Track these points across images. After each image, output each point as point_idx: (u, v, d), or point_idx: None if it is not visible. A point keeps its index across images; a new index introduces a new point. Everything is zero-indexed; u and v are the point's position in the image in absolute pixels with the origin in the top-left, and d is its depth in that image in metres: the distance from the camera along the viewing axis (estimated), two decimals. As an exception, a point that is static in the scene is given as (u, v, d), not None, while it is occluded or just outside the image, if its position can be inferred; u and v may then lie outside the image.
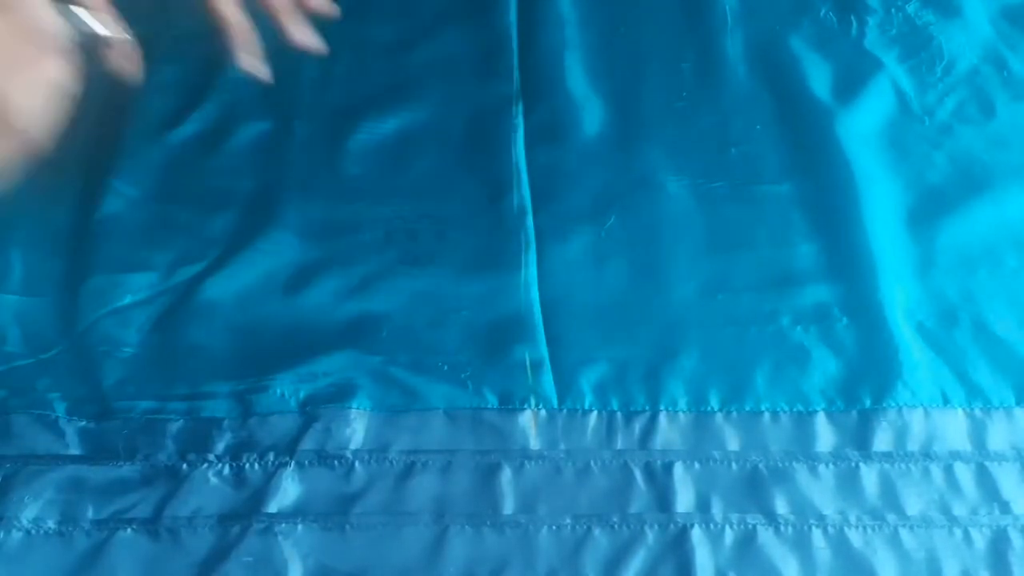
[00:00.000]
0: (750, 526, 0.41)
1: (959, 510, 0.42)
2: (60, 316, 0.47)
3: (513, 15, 0.62)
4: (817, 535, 0.41)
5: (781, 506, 0.42)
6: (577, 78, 0.59)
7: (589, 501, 0.42)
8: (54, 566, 0.39)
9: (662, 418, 0.45)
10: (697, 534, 0.41)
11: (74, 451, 0.42)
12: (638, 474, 0.43)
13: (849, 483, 0.43)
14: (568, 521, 0.41)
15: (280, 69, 0.54)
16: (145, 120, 0.56)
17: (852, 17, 0.63)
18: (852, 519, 0.42)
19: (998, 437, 0.44)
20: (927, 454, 0.44)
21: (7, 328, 0.46)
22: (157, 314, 0.47)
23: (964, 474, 0.43)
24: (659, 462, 0.43)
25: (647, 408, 0.45)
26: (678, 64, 0.60)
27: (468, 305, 0.48)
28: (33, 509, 0.40)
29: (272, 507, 0.41)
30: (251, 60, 0.46)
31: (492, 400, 0.45)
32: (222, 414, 0.44)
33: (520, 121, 0.57)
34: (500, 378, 0.46)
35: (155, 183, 0.53)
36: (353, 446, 0.43)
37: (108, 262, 0.49)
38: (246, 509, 0.41)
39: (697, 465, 0.43)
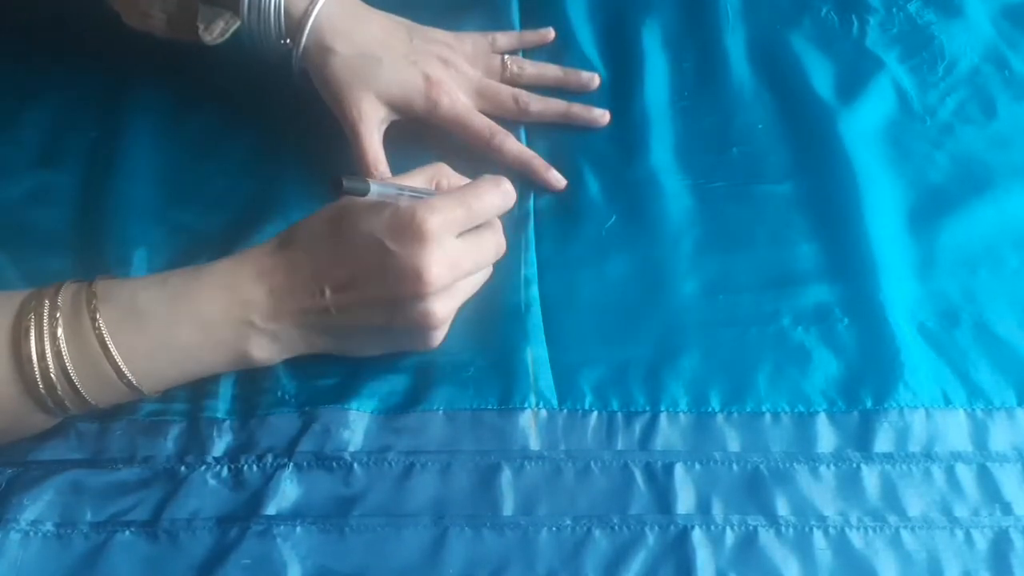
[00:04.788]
0: (751, 527, 0.41)
1: (960, 511, 0.42)
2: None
3: (515, 14, 0.62)
4: (818, 536, 0.41)
5: (782, 507, 0.42)
6: (578, 77, 0.59)
7: (589, 502, 0.42)
8: (53, 568, 0.39)
9: (663, 419, 0.45)
10: (698, 535, 0.41)
11: (76, 455, 0.42)
12: (638, 475, 0.43)
13: (850, 484, 0.43)
14: (568, 522, 0.41)
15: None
16: (146, 119, 0.56)
17: (853, 16, 0.63)
18: (853, 520, 0.42)
19: (999, 438, 0.44)
20: (928, 455, 0.44)
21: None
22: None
23: (965, 475, 0.43)
24: (659, 463, 0.43)
25: (647, 409, 0.45)
26: (679, 63, 0.60)
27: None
28: (32, 511, 0.40)
29: (271, 509, 0.41)
30: (556, 177, 0.53)
31: (492, 400, 0.45)
32: (223, 415, 0.44)
33: (521, 120, 0.57)
34: (500, 378, 0.45)
35: (156, 183, 0.53)
36: (352, 448, 0.43)
37: (108, 262, 0.49)
38: (244, 511, 0.41)
39: (698, 466, 0.43)
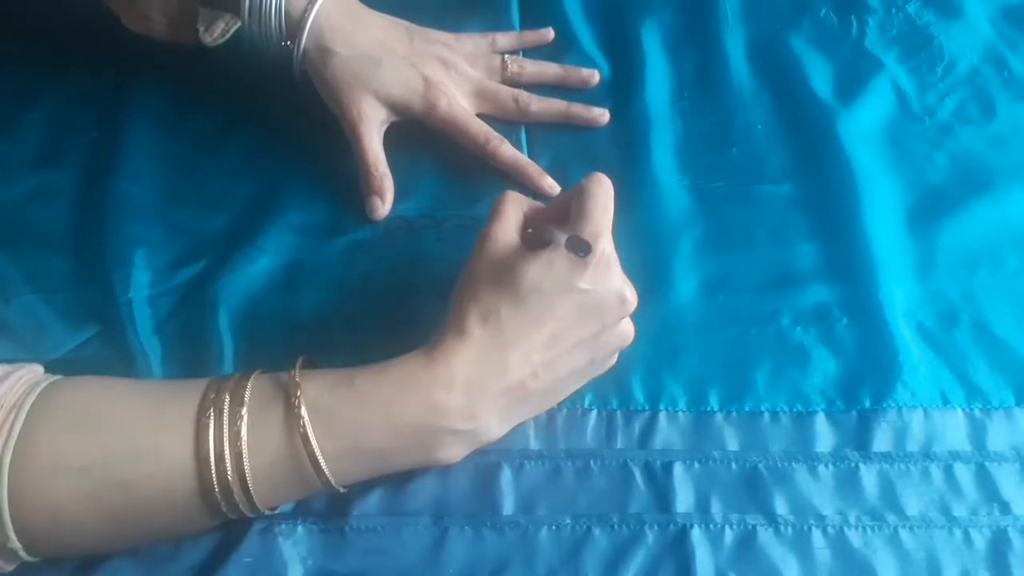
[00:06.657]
0: (750, 526, 0.41)
1: (959, 511, 0.42)
2: (63, 318, 0.47)
3: (515, 14, 0.62)
4: (817, 535, 0.41)
5: (781, 506, 0.42)
6: (578, 77, 0.59)
7: (589, 501, 0.42)
8: (55, 569, 0.39)
9: (662, 418, 0.45)
10: (697, 534, 0.41)
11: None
12: (638, 474, 0.43)
13: (849, 483, 0.43)
14: (568, 521, 0.41)
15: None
16: (146, 119, 0.56)
17: (852, 17, 0.63)
18: (852, 519, 0.42)
19: (998, 437, 0.45)
20: (927, 454, 0.44)
21: (8, 329, 0.46)
22: (159, 315, 0.47)
23: (964, 474, 0.43)
24: (659, 462, 0.43)
25: (647, 408, 0.45)
26: (679, 64, 0.60)
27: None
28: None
29: (272, 507, 0.41)
30: (550, 183, 0.53)
31: (492, 400, 0.45)
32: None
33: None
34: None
35: (156, 183, 0.53)
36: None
37: (108, 262, 0.49)
38: (246, 509, 0.41)
39: (697, 465, 0.43)
